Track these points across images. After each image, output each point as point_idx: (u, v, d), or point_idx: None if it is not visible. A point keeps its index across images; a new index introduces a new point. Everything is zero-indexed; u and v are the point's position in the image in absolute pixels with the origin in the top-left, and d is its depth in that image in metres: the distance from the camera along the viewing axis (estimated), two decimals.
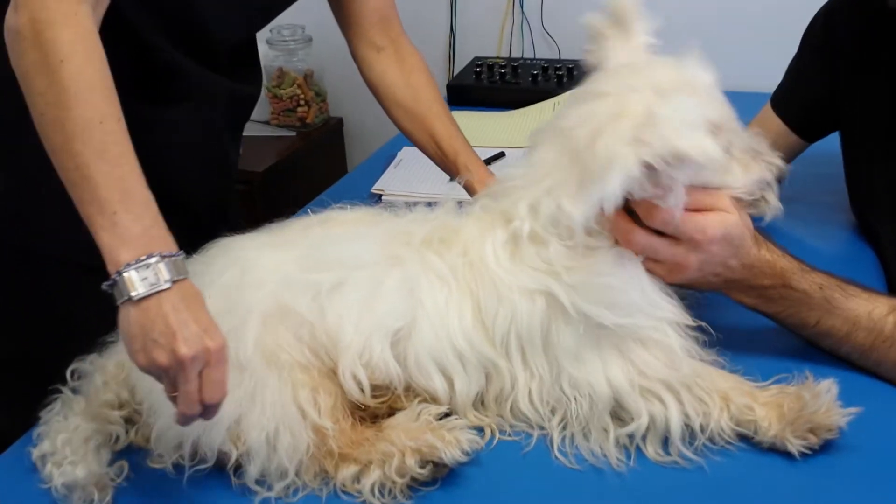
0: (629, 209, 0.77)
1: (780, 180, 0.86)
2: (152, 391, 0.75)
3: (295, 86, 2.02)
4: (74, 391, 0.81)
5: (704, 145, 0.70)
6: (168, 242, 0.68)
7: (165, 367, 0.64)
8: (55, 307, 0.96)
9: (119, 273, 0.64)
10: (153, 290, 0.64)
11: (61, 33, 0.68)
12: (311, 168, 2.05)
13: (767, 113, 1.21)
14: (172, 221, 0.97)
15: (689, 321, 0.79)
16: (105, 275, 0.66)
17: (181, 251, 0.69)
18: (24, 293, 0.96)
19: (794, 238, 1.16)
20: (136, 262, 0.65)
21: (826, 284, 0.83)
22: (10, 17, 0.69)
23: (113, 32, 0.83)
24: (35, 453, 0.76)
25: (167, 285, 0.65)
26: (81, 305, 0.87)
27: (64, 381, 0.81)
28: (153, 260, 0.65)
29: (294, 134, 2.05)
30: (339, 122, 2.21)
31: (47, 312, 0.96)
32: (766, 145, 0.86)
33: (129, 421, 0.79)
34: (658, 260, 0.79)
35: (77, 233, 0.74)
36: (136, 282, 0.64)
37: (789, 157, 1.20)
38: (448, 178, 1.10)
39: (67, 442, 0.75)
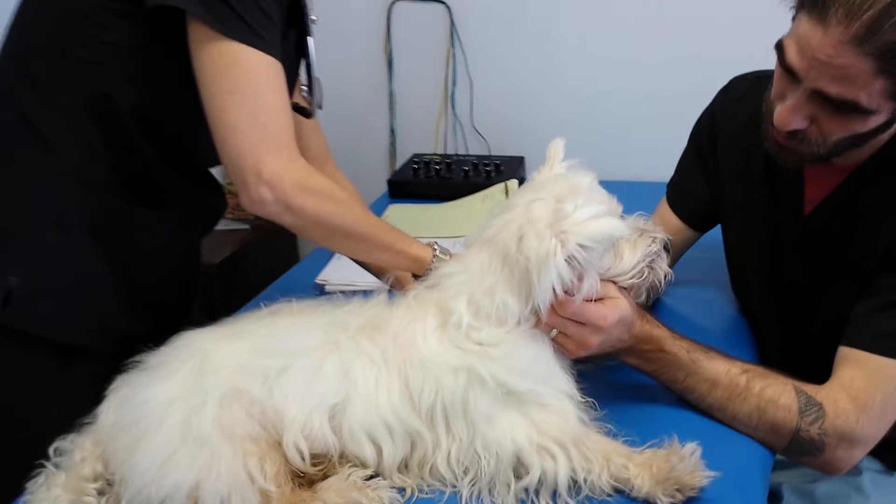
0: None
1: (666, 249, 1.06)
2: (123, 463, 0.88)
3: None
4: (56, 466, 0.93)
5: (614, 223, 0.91)
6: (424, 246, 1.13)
7: None
8: (41, 391, 1.09)
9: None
10: None
11: (316, 179, 1.05)
12: (264, 258, 2.19)
13: (664, 205, 1.39)
14: (144, 311, 1.14)
15: (580, 397, 0.95)
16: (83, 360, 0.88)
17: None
18: (16, 379, 1.09)
19: (683, 315, 1.34)
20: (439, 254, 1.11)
21: (692, 348, 1.01)
22: (264, 193, 1.00)
23: (126, 154, 1.09)
24: None
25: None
26: (72, 391, 1.01)
27: (48, 458, 0.93)
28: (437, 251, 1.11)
29: (248, 227, 2.20)
30: None
31: (34, 395, 1.09)
32: (649, 222, 1.05)
33: (101, 493, 0.91)
34: (568, 336, 0.97)
35: (80, 316, 1.03)
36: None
37: (686, 245, 1.38)
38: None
39: None
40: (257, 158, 0.98)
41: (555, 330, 0.97)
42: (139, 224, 1.13)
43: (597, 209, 0.93)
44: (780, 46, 0.98)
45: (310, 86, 1.25)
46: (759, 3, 0.96)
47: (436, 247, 1.13)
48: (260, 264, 2.16)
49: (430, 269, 1.08)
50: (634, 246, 1.03)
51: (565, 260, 0.90)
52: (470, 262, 1.00)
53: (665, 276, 1.05)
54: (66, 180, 1.07)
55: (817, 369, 1.03)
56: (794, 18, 0.96)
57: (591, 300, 0.96)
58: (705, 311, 1.35)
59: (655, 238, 1.05)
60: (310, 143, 1.31)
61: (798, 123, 0.98)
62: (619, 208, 1.02)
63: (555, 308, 0.95)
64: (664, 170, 1.43)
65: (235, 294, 1.92)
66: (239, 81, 0.97)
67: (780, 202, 1.18)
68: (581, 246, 0.90)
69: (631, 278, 1.02)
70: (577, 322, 0.97)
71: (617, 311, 0.97)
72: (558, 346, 0.98)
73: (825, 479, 1.20)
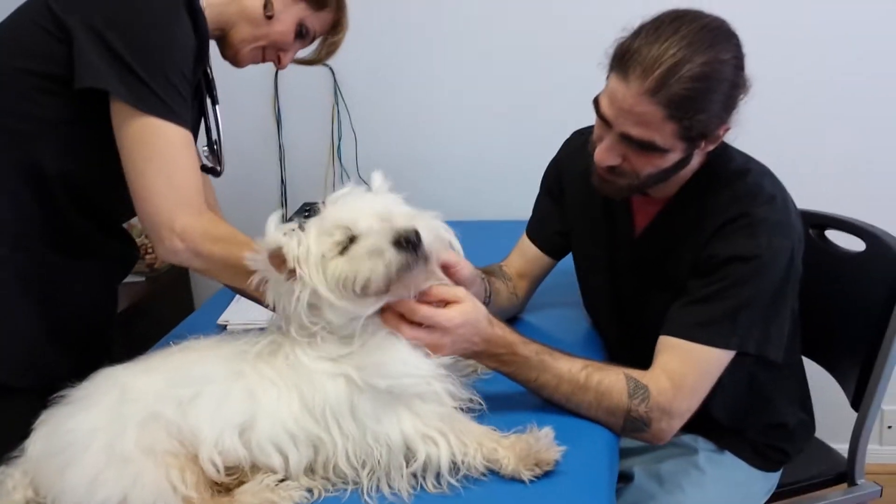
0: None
1: (400, 243, 1.01)
2: (53, 487, 0.98)
3: (143, 236, 2.25)
4: None
5: (273, 242, 1.05)
6: None
7: None
8: None
9: None
10: None
11: (221, 227, 1.19)
12: (160, 309, 2.25)
13: (524, 239, 1.60)
14: (68, 350, 1.24)
15: (446, 370, 1.08)
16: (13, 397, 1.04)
17: None
18: None
19: (545, 330, 1.55)
20: None
21: (540, 351, 1.18)
22: (176, 243, 1.14)
23: (53, 212, 1.20)
24: None
25: None
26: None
27: None
28: None
29: (143, 279, 2.27)
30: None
31: None
32: (430, 214, 1.11)
33: None
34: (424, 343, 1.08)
35: (10, 358, 1.15)
36: None
37: (544, 271, 1.59)
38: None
39: None
40: (171, 215, 1.13)
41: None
42: (63, 272, 1.25)
43: (284, 231, 1.07)
44: (596, 101, 1.21)
45: (213, 147, 1.40)
46: (599, 73, 1.21)
47: None
48: (156, 314, 2.22)
49: None
50: (361, 249, 1.03)
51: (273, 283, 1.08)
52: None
53: (396, 272, 1.02)
54: (0, 237, 1.18)
55: (650, 363, 1.23)
56: (607, 78, 1.20)
57: (440, 305, 1.08)
58: (563, 325, 1.58)
59: (382, 233, 1.02)
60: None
61: (612, 160, 1.21)
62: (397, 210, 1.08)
63: (404, 316, 1.06)
64: (527, 209, 1.63)
65: (136, 345, 1.99)
66: (158, 150, 1.12)
67: (616, 230, 1.42)
68: (266, 270, 1.07)
69: (361, 281, 1.03)
70: (428, 328, 1.07)
71: (462, 314, 1.09)
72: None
73: (668, 460, 1.43)
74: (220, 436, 1.02)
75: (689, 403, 1.19)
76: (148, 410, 1.02)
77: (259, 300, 1.41)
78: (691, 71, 1.10)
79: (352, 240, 1.04)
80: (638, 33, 1.15)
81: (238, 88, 2.26)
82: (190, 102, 1.18)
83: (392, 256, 1.01)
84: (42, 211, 1.20)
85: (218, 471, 1.02)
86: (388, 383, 1.04)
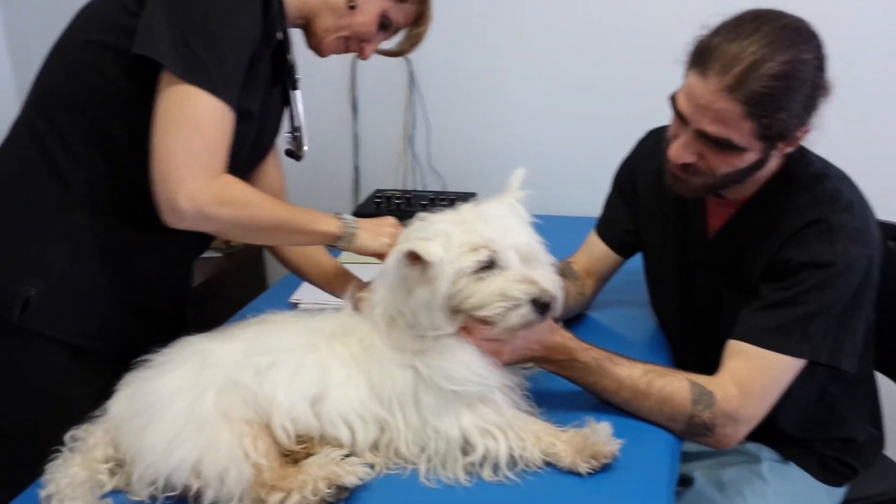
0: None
1: (538, 304, 1.05)
2: (133, 445, 1.04)
3: None
4: (71, 451, 1.08)
5: (426, 247, 1.04)
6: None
7: None
8: (51, 383, 1.25)
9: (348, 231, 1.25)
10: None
11: (232, 190, 1.16)
12: (235, 285, 2.33)
13: (593, 236, 1.60)
14: (140, 319, 1.30)
15: (510, 382, 1.12)
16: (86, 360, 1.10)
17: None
18: (30, 372, 1.26)
19: (610, 328, 1.55)
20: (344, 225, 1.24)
21: (600, 357, 1.18)
22: (183, 207, 1.11)
23: (127, 184, 1.24)
24: (42, 493, 1.03)
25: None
26: (76, 386, 1.17)
27: (62, 443, 1.09)
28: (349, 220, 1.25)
29: (220, 255, 2.35)
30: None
31: (45, 386, 1.25)
32: (546, 277, 1.09)
33: (112, 472, 1.06)
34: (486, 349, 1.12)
35: (86, 322, 1.18)
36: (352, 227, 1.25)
37: (612, 270, 1.59)
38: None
39: (68, 485, 1.02)
40: (181, 177, 1.11)
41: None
42: (138, 245, 1.30)
43: (435, 232, 1.07)
44: (673, 97, 1.21)
45: (293, 132, 1.44)
46: (673, 72, 1.21)
47: (342, 218, 1.27)
48: (231, 290, 2.30)
49: (341, 238, 1.25)
50: (497, 288, 1.06)
51: (395, 268, 1.06)
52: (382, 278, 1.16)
53: (519, 326, 1.07)
54: (78, 209, 1.24)
55: (716, 365, 1.22)
56: (685, 75, 1.19)
57: None
58: (628, 325, 1.57)
59: (527, 290, 1.05)
60: (266, 179, 1.47)
61: (688, 158, 1.20)
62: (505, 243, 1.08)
63: (472, 335, 1.10)
64: (594, 206, 1.63)
65: (208, 318, 2.05)
66: (186, 113, 1.12)
67: (688, 231, 1.40)
68: (398, 259, 1.05)
69: (480, 312, 1.07)
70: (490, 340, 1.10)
71: None
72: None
73: (731, 466, 1.41)
74: (293, 404, 1.07)
75: (756, 410, 1.18)
76: (227, 377, 1.07)
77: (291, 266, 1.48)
78: (772, 69, 1.09)
79: (490, 264, 1.06)
80: (718, 31, 1.14)
81: (316, 76, 2.32)
82: (239, 81, 1.18)
83: (527, 313, 1.05)
84: (117, 184, 1.25)
85: (289, 437, 1.06)
86: (453, 388, 1.07)
